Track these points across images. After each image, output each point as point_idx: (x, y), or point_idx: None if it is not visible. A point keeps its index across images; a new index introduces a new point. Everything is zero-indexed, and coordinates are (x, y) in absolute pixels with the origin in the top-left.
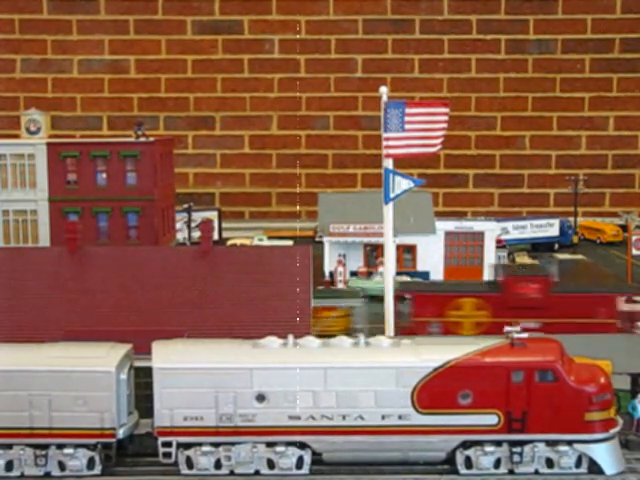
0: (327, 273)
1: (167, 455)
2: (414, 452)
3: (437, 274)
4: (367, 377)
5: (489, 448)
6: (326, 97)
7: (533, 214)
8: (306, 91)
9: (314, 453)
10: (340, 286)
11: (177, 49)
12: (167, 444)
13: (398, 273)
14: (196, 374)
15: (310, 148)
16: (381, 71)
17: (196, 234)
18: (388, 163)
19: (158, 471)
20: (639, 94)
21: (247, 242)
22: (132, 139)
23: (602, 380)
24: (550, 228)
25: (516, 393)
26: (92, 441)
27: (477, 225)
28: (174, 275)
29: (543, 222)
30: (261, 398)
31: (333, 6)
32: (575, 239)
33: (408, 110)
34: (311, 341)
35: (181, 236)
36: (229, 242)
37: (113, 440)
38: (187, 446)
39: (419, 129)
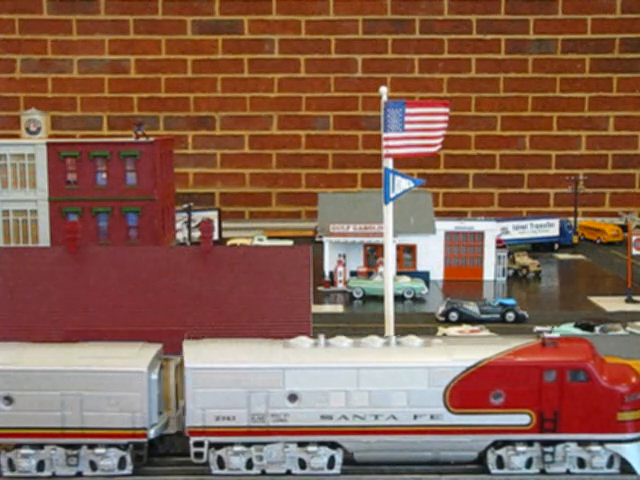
0: (327, 273)
1: (199, 455)
2: (446, 452)
3: (437, 274)
4: (399, 377)
5: (521, 448)
6: (326, 97)
7: (533, 214)
8: (306, 91)
9: (345, 453)
10: (340, 286)
11: (177, 49)
12: (199, 444)
13: (398, 273)
14: (228, 374)
15: (310, 148)
16: (381, 71)
17: (196, 234)
18: (388, 163)
19: (189, 471)
20: (639, 94)
21: (247, 242)
22: (132, 139)
23: (634, 380)
24: (550, 228)
25: (548, 393)
26: (124, 441)
27: (477, 225)
28: (174, 275)
29: (543, 222)
30: (293, 398)
31: (333, 6)
32: (575, 239)
33: (408, 110)
34: (342, 341)
35: (181, 236)
36: (229, 242)
37: (145, 440)
38: (219, 446)
39: (419, 129)
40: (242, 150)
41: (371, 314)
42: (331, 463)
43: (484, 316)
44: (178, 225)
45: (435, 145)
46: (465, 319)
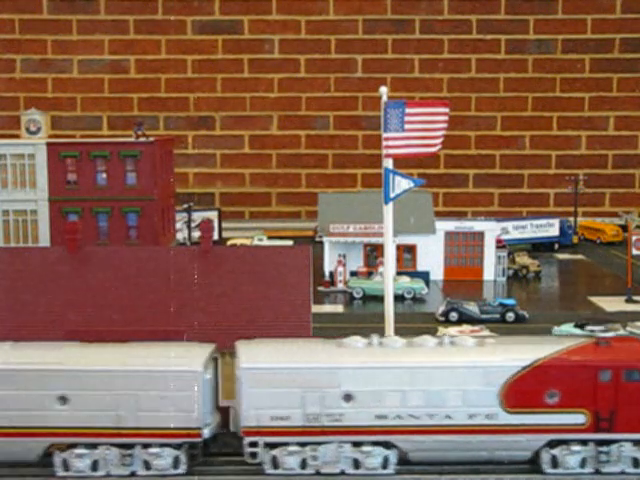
0: (327, 273)
1: (253, 455)
2: (500, 451)
3: (437, 274)
4: (454, 376)
5: (575, 447)
6: (326, 97)
7: (533, 214)
8: (306, 91)
9: (400, 452)
10: (340, 286)
11: (177, 49)
12: (253, 444)
13: (398, 273)
14: (283, 374)
15: (310, 148)
16: (381, 71)
17: (196, 234)
18: (388, 163)
19: (242, 470)
20: (639, 94)
21: (247, 242)
22: (132, 139)
23: None
24: (550, 228)
25: (603, 392)
26: (178, 441)
27: (477, 225)
28: (174, 275)
29: (543, 222)
30: (348, 398)
31: (333, 6)
32: (575, 239)
33: (408, 110)
34: (395, 340)
35: (181, 236)
36: (229, 242)
37: (200, 440)
38: (273, 446)
39: (419, 129)
40: (242, 150)
41: (371, 314)
42: (385, 463)
43: (484, 316)
44: (178, 225)
45: (435, 145)
46: (465, 319)
